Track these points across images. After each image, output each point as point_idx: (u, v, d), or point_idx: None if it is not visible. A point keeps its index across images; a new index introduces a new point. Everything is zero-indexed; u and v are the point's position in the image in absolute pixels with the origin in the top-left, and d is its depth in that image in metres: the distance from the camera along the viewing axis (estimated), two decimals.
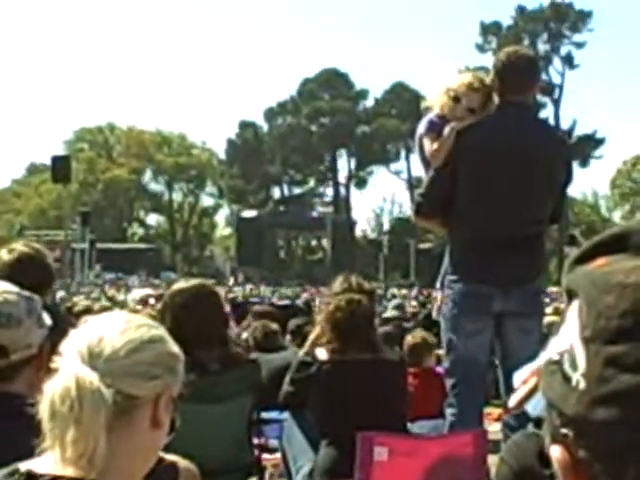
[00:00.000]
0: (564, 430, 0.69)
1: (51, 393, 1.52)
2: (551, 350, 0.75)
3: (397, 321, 8.45)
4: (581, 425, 0.67)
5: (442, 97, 4.32)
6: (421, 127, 4.43)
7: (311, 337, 4.41)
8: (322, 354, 4.17)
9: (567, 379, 0.69)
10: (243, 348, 4.11)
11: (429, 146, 4.30)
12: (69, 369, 1.54)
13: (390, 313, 9.11)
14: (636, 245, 0.73)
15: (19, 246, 3.77)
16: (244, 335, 6.84)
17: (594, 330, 0.68)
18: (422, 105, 4.59)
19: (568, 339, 0.72)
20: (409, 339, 6.34)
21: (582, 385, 0.67)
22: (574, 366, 0.69)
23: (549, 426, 0.73)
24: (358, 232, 59.47)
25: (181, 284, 4.07)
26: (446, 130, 4.24)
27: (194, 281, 4.17)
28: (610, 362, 0.65)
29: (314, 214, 56.98)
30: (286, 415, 4.56)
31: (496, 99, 4.32)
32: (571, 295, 0.75)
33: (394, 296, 22.16)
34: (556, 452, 0.70)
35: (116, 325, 1.66)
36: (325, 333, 4.21)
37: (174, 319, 3.76)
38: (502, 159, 4.20)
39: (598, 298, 0.69)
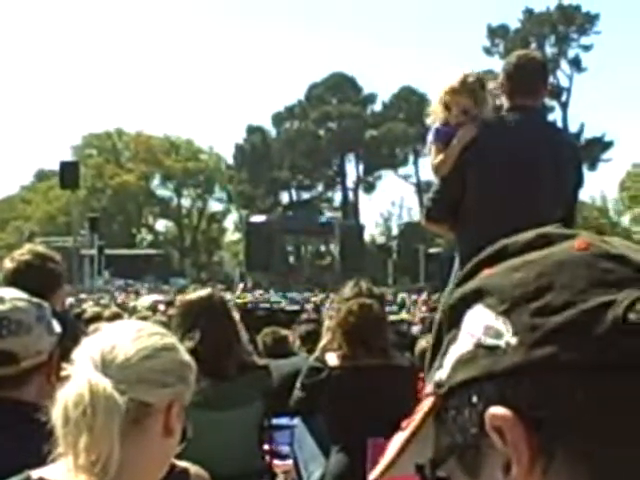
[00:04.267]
0: (492, 390, 0.66)
1: (64, 399, 1.52)
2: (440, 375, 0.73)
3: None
4: (520, 373, 0.65)
5: (437, 107, 4.32)
6: (429, 135, 4.43)
7: (322, 342, 4.40)
8: (333, 359, 4.15)
9: (493, 348, 0.68)
10: (251, 354, 4.10)
11: (433, 157, 4.31)
12: (82, 376, 1.54)
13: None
14: (513, 251, 0.76)
15: (19, 254, 3.71)
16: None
17: (511, 300, 0.68)
18: (427, 120, 4.58)
19: (467, 341, 0.71)
20: (421, 344, 6.31)
21: (514, 341, 0.67)
22: (498, 335, 0.68)
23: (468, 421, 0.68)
24: (367, 237, 59.18)
25: (197, 293, 4.06)
26: (453, 142, 4.23)
27: (205, 290, 4.15)
28: (538, 312, 0.66)
29: (322, 219, 56.79)
30: (297, 421, 4.55)
31: (504, 100, 4.31)
32: (456, 311, 0.74)
33: (403, 302, 22.04)
34: (500, 410, 0.65)
35: (129, 333, 1.66)
36: (336, 338, 4.20)
37: (204, 327, 3.78)
38: (511, 164, 4.18)
39: (505, 279, 0.71)
